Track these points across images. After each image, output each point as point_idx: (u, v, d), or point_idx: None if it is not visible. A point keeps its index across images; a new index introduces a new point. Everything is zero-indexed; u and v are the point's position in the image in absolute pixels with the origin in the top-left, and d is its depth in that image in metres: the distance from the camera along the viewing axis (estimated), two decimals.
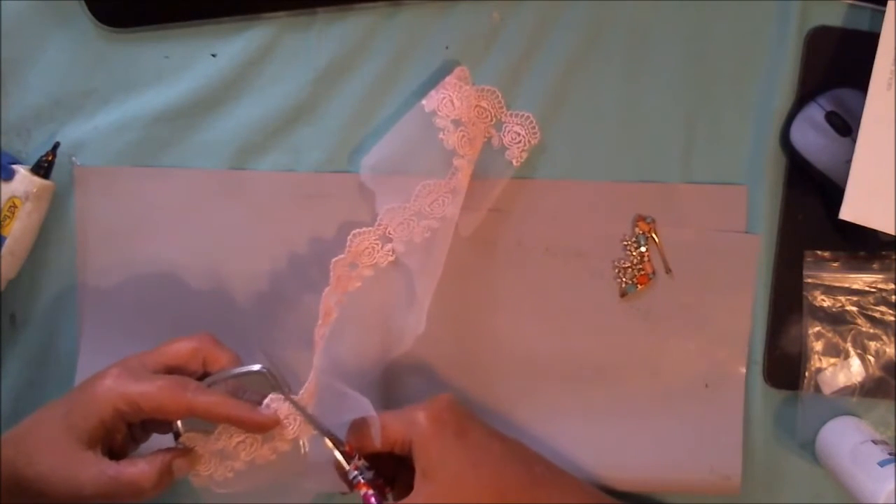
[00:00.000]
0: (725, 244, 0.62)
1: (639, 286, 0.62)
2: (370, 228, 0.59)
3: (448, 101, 0.59)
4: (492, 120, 0.61)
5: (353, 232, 0.59)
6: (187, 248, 0.63)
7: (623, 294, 0.62)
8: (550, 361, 0.62)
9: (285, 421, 0.53)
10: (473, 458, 0.51)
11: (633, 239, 0.62)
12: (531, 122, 0.61)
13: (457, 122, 0.59)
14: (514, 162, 0.62)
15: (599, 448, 0.61)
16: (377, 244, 0.60)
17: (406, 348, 0.60)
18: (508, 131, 0.61)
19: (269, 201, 0.63)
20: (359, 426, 0.54)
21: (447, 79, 0.60)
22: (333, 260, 0.57)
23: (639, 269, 0.62)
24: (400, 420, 0.53)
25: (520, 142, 0.61)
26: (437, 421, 0.52)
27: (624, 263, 0.62)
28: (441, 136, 0.59)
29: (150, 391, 0.49)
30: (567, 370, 0.62)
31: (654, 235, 0.62)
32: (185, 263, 0.63)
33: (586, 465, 0.61)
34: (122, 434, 0.51)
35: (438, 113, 0.59)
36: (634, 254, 0.62)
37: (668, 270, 0.62)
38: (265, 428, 0.52)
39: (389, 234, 0.60)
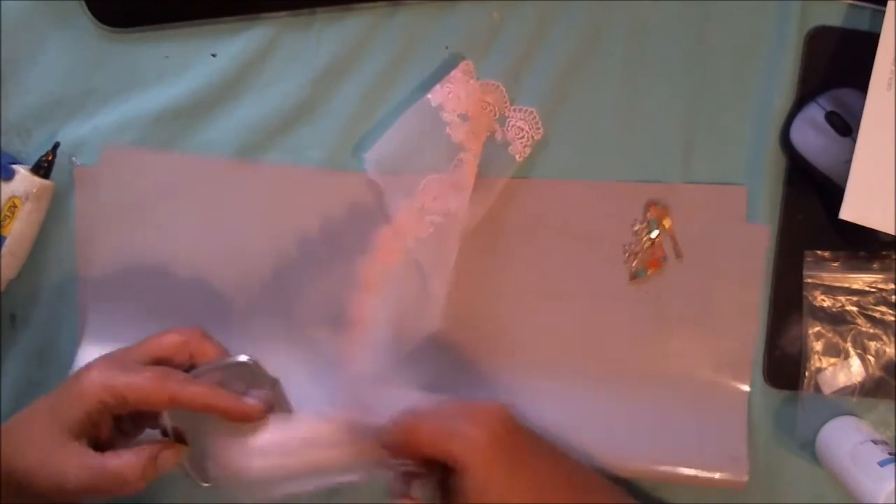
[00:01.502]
0: (736, 232, 0.62)
1: (648, 270, 0.62)
2: (385, 226, 0.59)
3: (454, 95, 0.59)
4: (495, 115, 0.62)
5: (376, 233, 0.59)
6: (188, 246, 0.63)
7: (632, 278, 0.62)
8: (558, 343, 0.62)
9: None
10: (523, 495, 0.49)
11: (645, 223, 0.62)
12: (534, 117, 0.61)
13: (464, 117, 0.59)
14: (517, 157, 0.62)
15: (604, 431, 0.61)
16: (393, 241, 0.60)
17: (418, 343, 0.60)
18: (512, 126, 0.62)
19: (272, 194, 0.63)
20: (403, 429, 0.51)
21: (453, 73, 0.60)
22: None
23: (649, 254, 0.62)
24: (447, 429, 0.50)
25: (523, 137, 0.61)
26: (493, 444, 0.49)
27: (635, 247, 0.62)
28: (448, 130, 0.59)
29: (134, 382, 0.49)
30: (575, 351, 0.62)
31: (665, 221, 0.62)
32: (186, 262, 0.63)
33: (591, 449, 0.60)
34: (109, 426, 0.51)
35: (445, 107, 0.59)
36: (645, 238, 0.62)
37: (678, 256, 0.62)
38: (250, 417, 0.51)
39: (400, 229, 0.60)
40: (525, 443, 0.51)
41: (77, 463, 0.48)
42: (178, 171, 0.63)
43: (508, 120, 0.62)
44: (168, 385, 0.49)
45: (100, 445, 0.50)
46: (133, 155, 0.63)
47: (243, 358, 0.53)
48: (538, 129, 0.61)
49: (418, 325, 0.60)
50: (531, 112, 0.61)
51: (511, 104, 0.62)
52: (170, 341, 0.53)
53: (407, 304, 0.61)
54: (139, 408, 0.50)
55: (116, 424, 0.52)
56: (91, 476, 0.48)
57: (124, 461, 0.49)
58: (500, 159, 0.61)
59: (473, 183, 0.60)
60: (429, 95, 0.59)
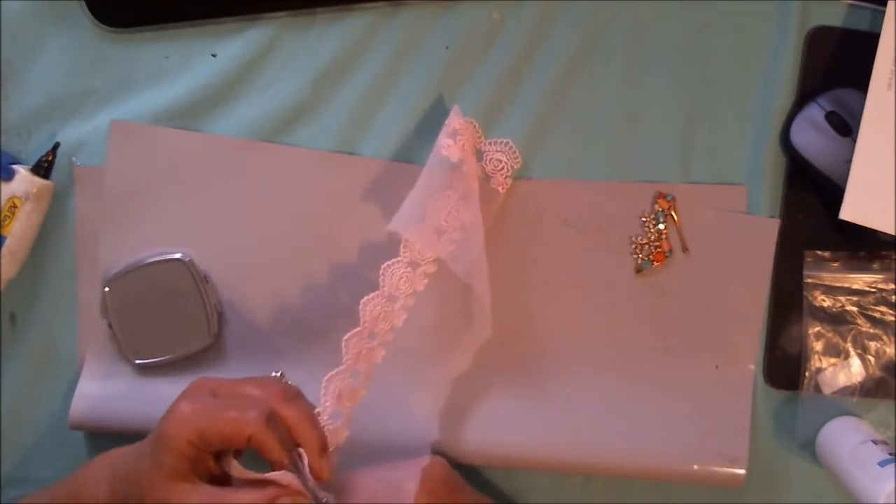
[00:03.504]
0: (744, 227, 0.62)
1: (654, 263, 0.62)
2: (395, 260, 0.58)
3: (469, 145, 0.58)
4: (472, 151, 0.62)
5: (383, 266, 0.58)
6: (187, 245, 0.63)
7: (638, 270, 0.62)
8: (562, 333, 0.62)
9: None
10: None
11: (652, 216, 0.62)
12: (511, 147, 0.61)
13: (469, 163, 0.59)
14: (500, 189, 0.62)
15: (606, 425, 0.61)
16: (409, 271, 0.59)
17: (468, 361, 0.60)
18: (490, 160, 0.61)
19: (286, 177, 0.63)
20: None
21: (454, 123, 0.58)
22: (363, 300, 0.56)
23: (655, 247, 0.62)
24: (389, 488, 0.53)
25: (502, 168, 0.61)
26: (431, 496, 0.53)
27: (641, 240, 0.62)
28: (473, 183, 0.58)
29: (214, 424, 0.47)
30: (579, 343, 0.62)
31: (673, 213, 0.62)
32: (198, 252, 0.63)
33: (590, 443, 0.61)
34: (211, 461, 0.49)
35: (466, 160, 0.58)
36: (652, 230, 0.62)
37: (685, 249, 0.62)
38: (321, 478, 0.50)
39: (418, 258, 0.59)
40: (457, 495, 0.55)
41: (196, 499, 0.47)
42: (187, 149, 0.63)
43: (485, 154, 0.62)
44: (246, 429, 0.47)
45: (218, 478, 0.49)
46: (141, 130, 0.63)
47: (177, 255, 0.58)
48: (516, 158, 0.61)
49: (463, 341, 0.60)
50: (507, 143, 0.61)
51: (485, 138, 0.61)
52: (250, 391, 0.50)
53: (446, 328, 0.61)
54: (224, 446, 0.48)
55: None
56: None
57: (242, 499, 0.47)
58: (485, 194, 0.61)
59: (478, 187, 0.59)
60: (444, 153, 0.58)
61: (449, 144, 0.58)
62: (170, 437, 0.47)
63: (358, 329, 0.56)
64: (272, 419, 0.48)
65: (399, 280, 0.58)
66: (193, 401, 0.49)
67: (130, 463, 0.50)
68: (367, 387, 0.56)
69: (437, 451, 0.60)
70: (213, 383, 0.50)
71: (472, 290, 0.59)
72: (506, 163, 0.61)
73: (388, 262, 0.58)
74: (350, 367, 0.55)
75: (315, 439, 0.49)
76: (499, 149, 0.61)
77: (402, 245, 0.58)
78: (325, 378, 0.54)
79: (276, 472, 0.47)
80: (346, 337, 0.55)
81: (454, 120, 0.58)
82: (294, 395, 0.50)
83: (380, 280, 0.57)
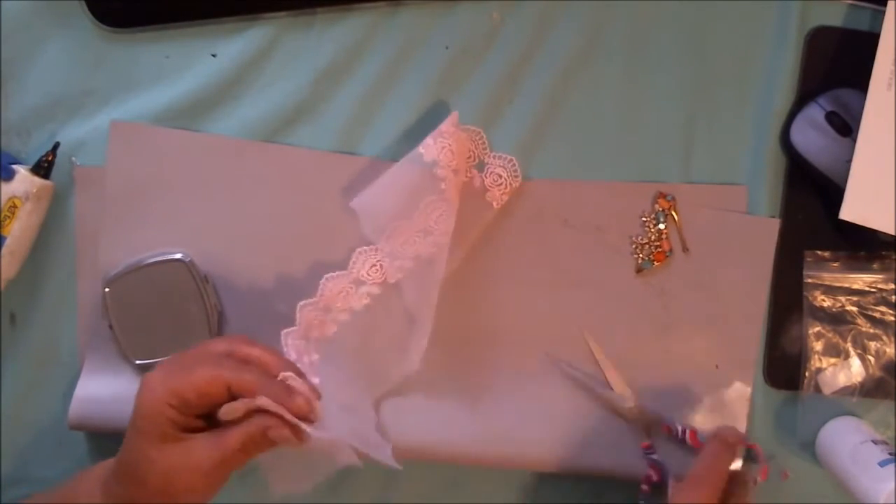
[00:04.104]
0: (744, 226, 0.62)
1: (655, 263, 0.62)
2: (372, 247, 0.58)
3: (448, 149, 0.58)
4: (475, 160, 0.61)
5: (357, 251, 0.58)
6: (187, 245, 0.63)
7: (639, 270, 0.62)
8: (562, 333, 0.62)
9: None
10: None
11: (653, 216, 0.62)
12: (513, 164, 0.61)
13: (456, 171, 0.59)
14: (494, 204, 0.62)
15: (606, 424, 0.61)
16: (386, 261, 0.59)
17: (414, 367, 0.60)
18: (490, 173, 0.61)
19: (286, 177, 0.63)
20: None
21: (444, 126, 0.59)
22: (326, 276, 0.57)
23: (656, 246, 0.62)
24: None
25: (501, 184, 0.61)
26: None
27: (641, 239, 0.62)
28: (443, 186, 0.58)
29: (189, 380, 0.47)
30: (578, 343, 0.62)
31: (673, 213, 0.62)
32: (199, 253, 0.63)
33: (590, 441, 0.61)
34: (199, 423, 0.49)
35: (440, 163, 0.58)
36: (653, 230, 0.62)
37: (685, 249, 0.62)
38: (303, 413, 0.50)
39: (399, 251, 0.59)
40: None
41: (199, 449, 0.47)
42: (187, 149, 0.63)
43: (487, 167, 0.62)
44: (222, 375, 0.47)
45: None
46: (141, 130, 0.62)
47: (178, 255, 0.58)
48: (516, 176, 0.61)
49: (409, 347, 0.59)
50: (510, 159, 0.61)
51: (490, 150, 0.61)
52: (217, 348, 0.51)
53: (395, 327, 0.61)
54: (205, 404, 0.48)
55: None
56: (217, 451, 0.47)
57: (235, 436, 0.47)
58: (478, 205, 0.61)
59: (458, 197, 0.59)
60: (421, 150, 0.58)
61: (428, 144, 0.58)
62: (149, 406, 0.47)
63: (313, 300, 0.56)
64: (244, 362, 0.48)
65: (370, 267, 0.59)
66: (160, 369, 0.49)
67: (119, 459, 0.49)
68: (319, 351, 0.57)
69: (435, 445, 0.60)
70: (175, 355, 0.50)
71: (431, 298, 0.59)
72: (505, 179, 0.61)
73: (362, 248, 0.58)
74: (302, 333, 0.56)
75: (289, 365, 0.50)
76: (501, 164, 0.61)
77: (373, 233, 0.59)
78: (282, 332, 0.56)
79: (258, 398, 0.47)
80: (300, 304, 0.57)
81: (446, 124, 0.58)
82: (256, 342, 0.51)
83: (350, 262, 0.57)
